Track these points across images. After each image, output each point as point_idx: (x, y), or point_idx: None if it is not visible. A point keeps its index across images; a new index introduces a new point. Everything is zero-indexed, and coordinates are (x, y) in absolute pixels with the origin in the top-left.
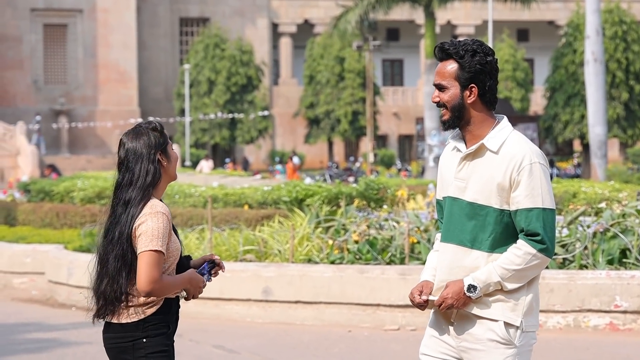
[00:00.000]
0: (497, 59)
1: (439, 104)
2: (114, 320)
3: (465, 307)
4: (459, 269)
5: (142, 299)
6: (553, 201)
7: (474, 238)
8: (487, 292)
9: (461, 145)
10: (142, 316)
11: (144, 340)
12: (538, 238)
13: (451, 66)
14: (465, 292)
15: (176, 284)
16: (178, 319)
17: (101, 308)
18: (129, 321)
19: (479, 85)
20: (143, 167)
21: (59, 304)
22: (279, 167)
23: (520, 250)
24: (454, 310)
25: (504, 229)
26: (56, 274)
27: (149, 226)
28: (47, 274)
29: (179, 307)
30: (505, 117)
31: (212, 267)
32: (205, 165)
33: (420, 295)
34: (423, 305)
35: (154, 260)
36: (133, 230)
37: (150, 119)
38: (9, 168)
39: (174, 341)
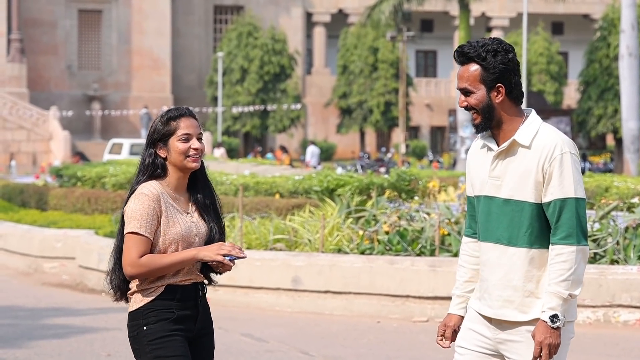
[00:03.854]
0: (516, 54)
1: (467, 108)
2: (128, 309)
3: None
4: (500, 267)
5: (141, 286)
6: (584, 190)
7: (510, 235)
8: (565, 311)
9: (492, 144)
10: (142, 304)
11: (144, 328)
12: (568, 233)
13: (474, 69)
14: (552, 326)
15: (170, 262)
16: (197, 305)
17: (113, 292)
18: (133, 309)
19: (505, 84)
20: (143, 158)
21: (88, 289)
22: (269, 155)
23: (563, 255)
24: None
25: (541, 224)
26: (86, 259)
27: (130, 208)
28: (78, 259)
29: (195, 292)
30: (533, 111)
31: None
32: (217, 153)
33: (443, 337)
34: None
35: (131, 242)
36: (124, 214)
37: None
38: (42, 153)
39: (204, 327)
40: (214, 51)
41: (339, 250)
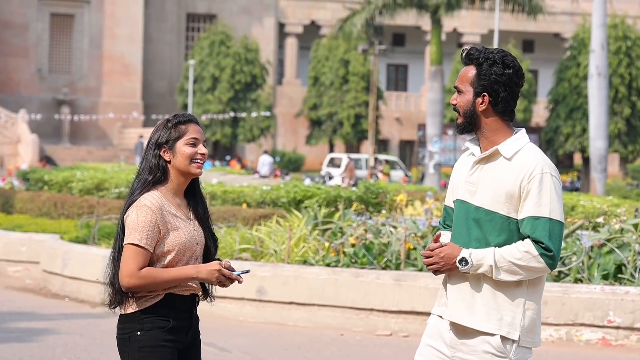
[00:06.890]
0: (520, 73)
1: (455, 108)
2: (121, 311)
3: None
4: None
5: (142, 292)
6: (562, 214)
7: (479, 243)
8: (475, 272)
9: (476, 150)
10: (139, 308)
11: (138, 333)
12: (542, 245)
13: (471, 72)
14: (457, 262)
15: (169, 278)
16: (191, 316)
17: (112, 298)
18: (128, 312)
19: (492, 95)
20: (146, 160)
21: (52, 293)
22: (224, 163)
23: (524, 247)
24: (450, 321)
25: (510, 237)
26: (51, 263)
27: (132, 219)
28: (42, 264)
29: (191, 304)
30: (523, 129)
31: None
32: None
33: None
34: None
35: (130, 253)
36: (124, 222)
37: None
38: (9, 155)
39: (194, 339)
40: (186, 59)
41: (305, 262)
